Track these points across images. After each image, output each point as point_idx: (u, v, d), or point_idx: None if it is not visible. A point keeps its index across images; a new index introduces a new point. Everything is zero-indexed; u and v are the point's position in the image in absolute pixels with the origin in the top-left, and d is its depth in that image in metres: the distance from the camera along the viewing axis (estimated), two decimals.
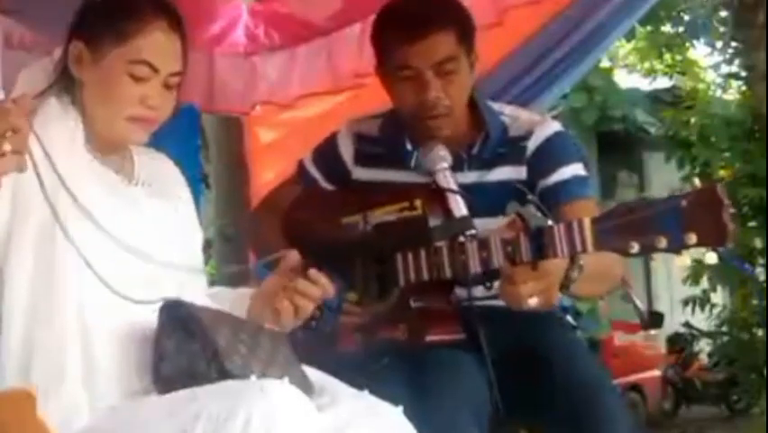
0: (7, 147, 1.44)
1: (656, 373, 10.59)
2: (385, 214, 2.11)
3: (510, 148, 2.23)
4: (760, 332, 8.43)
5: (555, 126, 2.27)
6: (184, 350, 1.59)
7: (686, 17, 11.34)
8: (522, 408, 2.04)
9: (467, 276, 2.00)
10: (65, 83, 1.82)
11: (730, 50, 10.26)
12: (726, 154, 8.81)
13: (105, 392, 1.63)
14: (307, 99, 3.27)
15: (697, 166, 8.86)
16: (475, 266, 1.96)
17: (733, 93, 10.76)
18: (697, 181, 1.83)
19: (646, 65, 12.87)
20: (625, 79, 12.80)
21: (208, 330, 1.59)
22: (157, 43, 1.78)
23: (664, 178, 10.46)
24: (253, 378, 1.51)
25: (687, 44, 12.01)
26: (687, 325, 10.79)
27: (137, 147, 1.91)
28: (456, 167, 2.15)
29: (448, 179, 2.10)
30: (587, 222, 1.83)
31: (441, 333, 2.06)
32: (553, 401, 2.00)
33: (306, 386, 1.62)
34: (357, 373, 1.84)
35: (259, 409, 1.43)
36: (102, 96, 1.79)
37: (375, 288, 2.10)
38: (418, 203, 2.07)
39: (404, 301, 2.06)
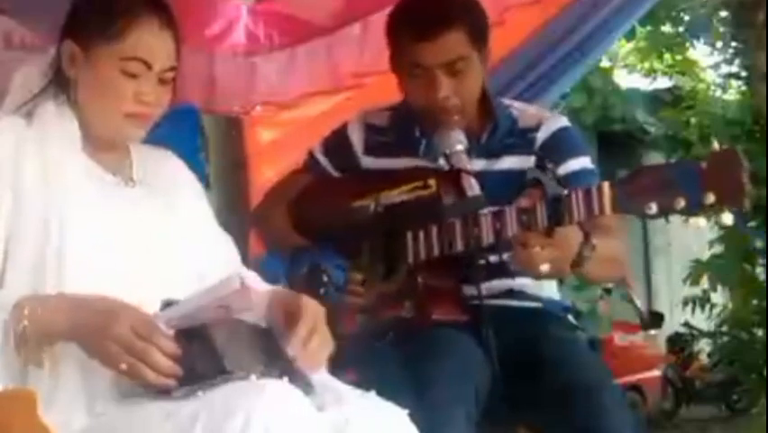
0: (123, 366, 1.52)
1: (656, 373, 10.57)
2: (398, 194, 2.12)
3: (519, 138, 2.25)
4: (760, 332, 8.43)
5: (564, 121, 2.30)
6: (183, 350, 1.58)
7: (686, 17, 11.33)
8: (523, 406, 2.04)
9: (479, 248, 2.00)
10: (60, 83, 1.81)
11: (730, 50, 10.27)
12: None
13: (103, 393, 1.62)
14: (307, 99, 3.27)
15: None
16: (488, 237, 1.98)
17: (733, 93, 10.77)
18: (715, 144, 1.84)
19: (646, 65, 12.86)
20: (625, 79, 12.80)
21: (207, 330, 1.58)
22: (148, 39, 1.77)
23: None
24: (253, 378, 1.50)
25: (687, 44, 12.00)
26: (687, 325, 10.79)
27: (139, 147, 1.89)
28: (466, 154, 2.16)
29: (463, 160, 2.11)
30: (606, 185, 1.84)
31: (446, 312, 2.07)
32: (553, 401, 2.00)
33: (305, 386, 1.62)
34: (359, 349, 1.83)
35: (258, 410, 1.42)
36: (97, 94, 1.78)
37: (383, 267, 2.11)
38: (432, 181, 2.09)
39: (412, 279, 2.07)
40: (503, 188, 2.13)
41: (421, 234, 2.07)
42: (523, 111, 2.30)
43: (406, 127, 2.28)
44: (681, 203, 1.76)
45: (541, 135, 2.24)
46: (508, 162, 2.23)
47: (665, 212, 1.79)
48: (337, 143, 2.39)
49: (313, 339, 1.67)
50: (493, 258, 2.14)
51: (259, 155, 3.37)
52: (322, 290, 2.09)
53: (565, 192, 1.89)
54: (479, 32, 2.18)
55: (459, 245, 2.02)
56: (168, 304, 1.63)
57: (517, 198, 1.98)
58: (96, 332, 1.54)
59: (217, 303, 1.58)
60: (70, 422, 1.58)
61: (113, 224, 1.73)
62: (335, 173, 2.39)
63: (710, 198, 1.74)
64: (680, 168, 1.79)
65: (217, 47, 3.14)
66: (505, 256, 2.07)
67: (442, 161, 2.13)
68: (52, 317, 1.57)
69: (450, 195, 2.08)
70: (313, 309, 1.71)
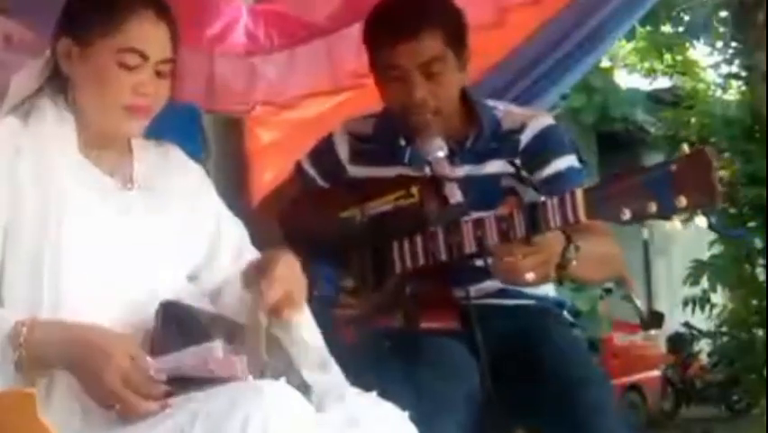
0: (117, 407, 1.52)
1: (656, 373, 10.59)
2: (381, 204, 2.13)
3: (503, 142, 2.24)
4: (760, 332, 8.44)
5: (548, 120, 2.28)
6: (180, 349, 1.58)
7: (686, 17, 11.32)
8: (519, 407, 2.05)
9: (462, 257, 2.01)
10: (57, 82, 1.80)
11: (730, 50, 10.27)
12: (726, 154, 8.82)
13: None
14: (307, 99, 3.27)
15: None
16: (470, 246, 1.98)
17: (733, 93, 10.77)
18: (685, 147, 1.83)
19: (646, 65, 12.86)
20: (625, 79, 12.80)
21: (206, 330, 1.58)
22: (144, 31, 1.76)
23: None
24: (250, 378, 1.50)
25: (687, 44, 12.00)
26: (687, 325, 10.80)
27: (143, 144, 1.87)
28: (449, 160, 2.15)
29: (444, 167, 2.11)
30: (579, 192, 1.85)
31: (436, 320, 2.08)
32: (548, 399, 2.00)
33: (303, 386, 1.62)
34: (354, 361, 1.84)
35: (256, 410, 1.42)
36: (94, 88, 1.76)
37: (372, 277, 2.11)
38: (415, 190, 2.10)
39: (400, 289, 2.08)
40: (488, 192, 2.13)
41: (406, 244, 2.07)
42: (507, 113, 2.29)
43: (390, 135, 2.29)
44: (653, 208, 1.75)
45: (524, 137, 2.22)
46: (493, 167, 2.23)
47: (638, 217, 1.78)
48: (323, 154, 2.40)
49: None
50: (480, 262, 2.14)
51: (259, 155, 3.37)
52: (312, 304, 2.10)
53: (541, 199, 1.89)
54: (454, 33, 2.18)
55: (442, 254, 2.02)
56: (167, 303, 1.63)
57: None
58: (90, 373, 1.53)
59: (203, 365, 1.54)
60: (64, 423, 1.56)
61: (106, 229, 1.72)
62: (323, 183, 2.39)
63: (682, 202, 1.73)
64: (651, 172, 1.77)
65: (217, 47, 3.14)
66: (489, 261, 2.07)
67: (426, 169, 2.13)
68: (47, 346, 1.55)
69: (432, 203, 2.08)
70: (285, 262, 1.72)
